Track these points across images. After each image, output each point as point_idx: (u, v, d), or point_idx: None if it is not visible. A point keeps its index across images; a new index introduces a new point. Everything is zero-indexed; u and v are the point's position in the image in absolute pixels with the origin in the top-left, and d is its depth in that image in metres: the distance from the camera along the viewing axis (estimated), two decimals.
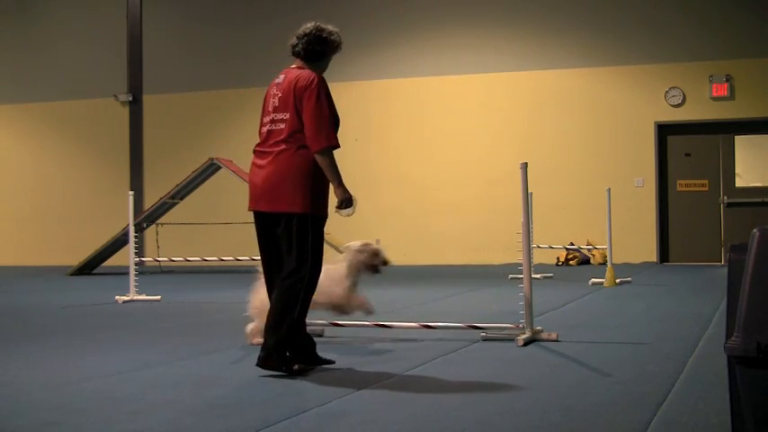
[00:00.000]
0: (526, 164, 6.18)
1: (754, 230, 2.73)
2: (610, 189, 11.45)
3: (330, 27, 5.11)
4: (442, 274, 14.24)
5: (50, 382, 4.73)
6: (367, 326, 6.58)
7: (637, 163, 16.22)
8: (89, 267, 15.78)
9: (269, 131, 4.95)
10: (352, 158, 17.51)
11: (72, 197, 19.42)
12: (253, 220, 5.05)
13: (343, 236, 16.17)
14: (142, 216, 15.23)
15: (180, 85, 18.88)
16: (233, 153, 15.85)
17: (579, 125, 16.53)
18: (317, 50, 5.02)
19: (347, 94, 17.49)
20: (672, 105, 16.10)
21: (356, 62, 17.41)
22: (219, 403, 4.13)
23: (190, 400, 4.22)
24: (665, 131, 16.28)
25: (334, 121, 4.88)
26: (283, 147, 4.85)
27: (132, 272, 9.93)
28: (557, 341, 5.99)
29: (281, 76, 5.02)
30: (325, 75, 5.09)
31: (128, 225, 11.30)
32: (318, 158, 4.82)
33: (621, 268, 13.20)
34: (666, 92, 16.10)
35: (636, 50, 16.22)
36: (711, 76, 15.81)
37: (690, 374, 4.72)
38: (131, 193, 10.54)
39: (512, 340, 5.95)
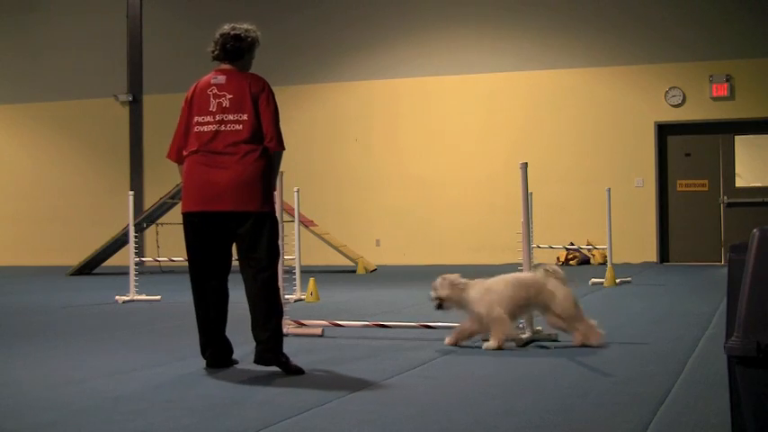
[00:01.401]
0: (526, 164, 6.19)
1: (755, 230, 2.73)
2: (610, 189, 11.46)
3: (245, 25, 5.30)
4: (441, 274, 14.19)
5: (50, 382, 4.72)
6: (367, 326, 6.58)
7: (637, 163, 16.22)
8: (89, 267, 15.78)
9: (216, 132, 4.97)
10: (354, 158, 17.57)
11: (72, 197, 19.42)
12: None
13: (344, 236, 16.23)
14: (142, 216, 15.22)
15: (180, 85, 18.62)
16: None
17: (579, 125, 16.53)
18: (236, 47, 5.16)
19: (348, 95, 17.50)
20: (672, 105, 16.10)
21: (357, 62, 17.40)
22: (219, 403, 4.13)
23: (190, 400, 4.22)
24: (665, 131, 16.28)
25: None
26: (247, 148, 4.93)
27: (132, 272, 9.93)
28: (557, 341, 5.99)
29: (220, 77, 5.11)
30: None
31: (128, 225, 11.30)
32: (276, 157, 5.05)
33: (621, 268, 13.19)
34: (666, 92, 16.09)
35: (636, 50, 16.22)
36: (711, 76, 15.81)
37: (690, 374, 4.72)
38: (131, 193, 10.54)
39: (512, 340, 5.95)
